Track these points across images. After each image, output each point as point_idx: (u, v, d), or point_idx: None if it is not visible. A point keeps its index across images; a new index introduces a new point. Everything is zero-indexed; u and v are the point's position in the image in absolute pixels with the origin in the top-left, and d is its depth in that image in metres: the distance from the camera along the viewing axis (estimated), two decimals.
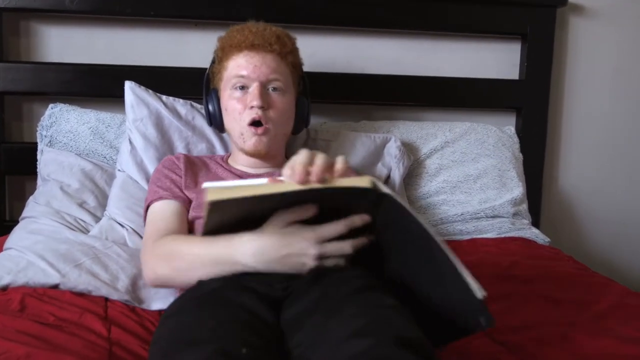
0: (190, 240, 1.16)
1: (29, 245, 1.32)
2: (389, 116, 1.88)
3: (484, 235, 1.71)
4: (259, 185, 0.95)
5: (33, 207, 1.50)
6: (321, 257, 1.00)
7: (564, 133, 2.05)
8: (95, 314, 1.14)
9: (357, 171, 1.55)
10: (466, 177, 1.78)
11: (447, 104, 1.95)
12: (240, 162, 1.41)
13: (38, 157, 1.64)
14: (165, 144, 1.55)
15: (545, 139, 1.96)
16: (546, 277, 1.41)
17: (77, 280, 1.23)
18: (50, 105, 1.66)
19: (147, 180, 1.52)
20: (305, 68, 1.49)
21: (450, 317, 0.95)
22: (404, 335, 0.84)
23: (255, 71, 1.33)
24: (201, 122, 1.59)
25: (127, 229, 1.43)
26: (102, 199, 1.54)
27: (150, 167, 1.53)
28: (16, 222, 1.50)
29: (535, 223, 1.89)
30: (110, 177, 1.58)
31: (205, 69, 1.47)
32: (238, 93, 1.35)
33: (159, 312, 1.23)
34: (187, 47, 1.80)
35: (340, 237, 1.01)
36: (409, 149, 1.75)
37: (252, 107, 1.31)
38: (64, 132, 1.63)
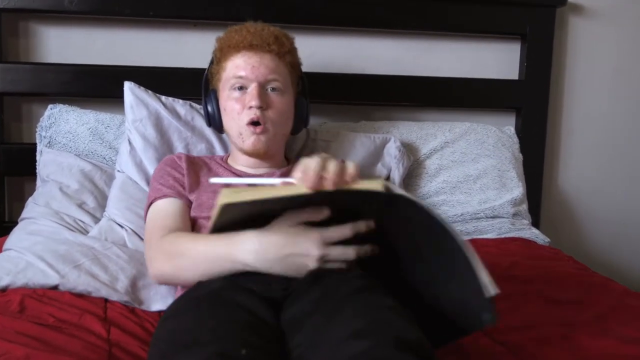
0: (194, 237, 1.16)
1: (29, 246, 1.32)
2: (389, 116, 1.88)
3: (484, 236, 1.71)
4: (272, 187, 0.96)
5: (32, 208, 1.49)
6: (324, 260, 1.00)
7: (564, 133, 2.05)
8: (94, 315, 1.14)
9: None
10: (466, 178, 1.78)
11: (447, 104, 1.95)
12: (240, 162, 1.41)
13: (37, 157, 1.63)
14: (164, 145, 1.55)
15: (545, 139, 1.96)
16: (546, 278, 1.41)
17: (76, 281, 1.23)
18: (50, 106, 1.66)
19: (147, 181, 1.52)
20: (305, 68, 1.49)
21: (453, 313, 0.95)
22: (403, 336, 0.84)
23: (253, 72, 1.33)
24: (201, 123, 1.58)
25: (126, 230, 1.43)
26: (102, 200, 1.54)
27: (150, 168, 1.52)
28: (15, 223, 1.50)
29: (535, 223, 1.89)
30: (110, 178, 1.58)
31: (205, 69, 1.47)
32: (237, 93, 1.34)
33: (159, 313, 1.23)
34: (186, 47, 1.80)
35: (345, 242, 1.01)
36: (408, 150, 1.75)
37: (250, 107, 1.31)
38: (63, 133, 1.63)
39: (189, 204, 1.31)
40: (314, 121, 1.66)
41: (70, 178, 1.55)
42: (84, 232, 1.44)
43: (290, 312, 0.98)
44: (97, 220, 1.48)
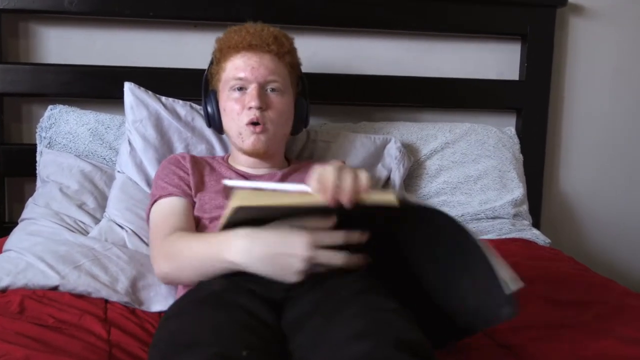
0: (190, 237, 1.17)
1: (28, 246, 1.32)
2: (389, 117, 1.88)
3: (485, 237, 1.70)
4: (286, 194, 0.95)
5: (32, 209, 1.49)
6: (311, 262, 0.99)
7: (564, 133, 2.05)
8: (94, 316, 1.14)
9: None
10: (466, 178, 1.78)
11: (447, 104, 1.94)
12: (240, 162, 1.41)
13: (37, 158, 1.63)
14: (164, 145, 1.55)
15: (546, 139, 1.96)
16: (547, 278, 1.41)
17: (76, 282, 1.23)
18: (50, 107, 1.66)
19: (147, 181, 1.51)
20: (305, 69, 1.49)
21: (466, 311, 0.96)
22: (403, 337, 0.84)
23: (253, 72, 1.33)
24: (201, 123, 1.58)
25: (126, 231, 1.43)
26: (102, 201, 1.53)
27: (150, 168, 1.52)
28: (15, 224, 1.50)
29: (536, 224, 1.89)
30: (110, 179, 1.58)
31: (205, 70, 1.47)
32: (236, 94, 1.34)
33: (159, 313, 1.22)
34: (186, 48, 1.80)
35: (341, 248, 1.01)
36: (409, 150, 1.75)
37: (250, 107, 1.31)
38: (63, 134, 1.63)
39: (193, 203, 1.31)
40: (314, 122, 1.66)
41: (70, 179, 1.55)
42: (84, 232, 1.44)
43: (291, 313, 0.98)
44: (97, 221, 1.48)
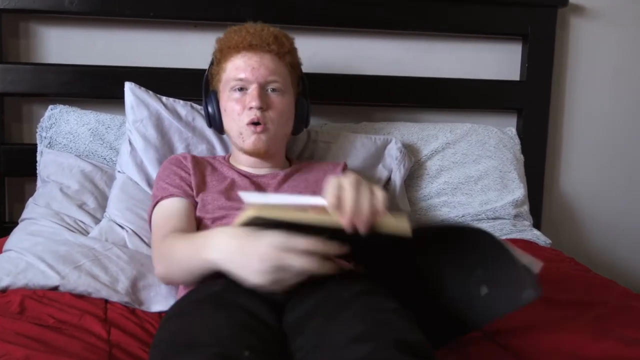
0: (181, 238, 1.17)
1: (29, 246, 1.32)
2: (390, 117, 1.88)
3: None
4: (302, 209, 0.95)
5: (33, 209, 1.49)
6: (275, 263, 0.95)
7: (565, 134, 2.05)
8: (95, 316, 1.14)
9: (358, 173, 1.55)
10: (467, 179, 1.78)
11: (448, 105, 1.94)
12: (241, 162, 1.41)
13: (38, 158, 1.63)
14: (165, 145, 1.55)
15: (547, 140, 1.96)
16: (547, 279, 1.38)
17: (76, 282, 1.22)
18: (50, 107, 1.66)
19: (147, 181, 1.51)
20: (305, 69, 1.49)
21: (483, 300, 0.99)
22: (404, 338, 0.84)
23: (253, 73, 1.32)
24: (201, 124, 1.58)
25: (127, 231, 1.42)
26: (102, 201, 1.53)
27: (150, 168, 1.52)
28: (16, 224, 1.50)
29: (537, 225, 1.89)
30: (110, 179, 1.58)
31: (205, 70, 1.47)
32: (237, 94, 1.34)
33: (159, 314, 1.22)
34: (186, 48, 1.80)
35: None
36: (409, 151, 1.75)
37: (251, 108, 1.31)
38: (63, 134, 1.63)
39: (194, 203, 1.31)
40: (314, 122, 1.66)
41: (71, 179, 1.55)
42: (85, 232, 1.44)
43: (292, 314, 0.98)
44: (97, 221, 1.48)
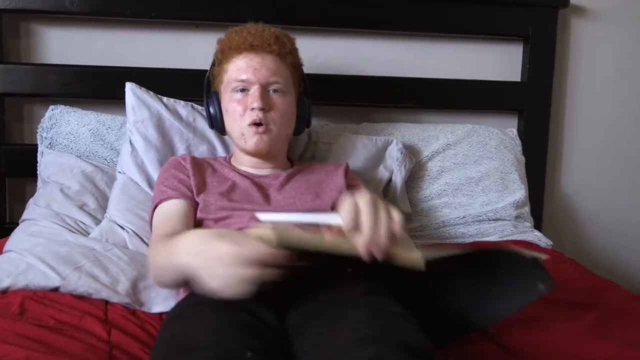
0: (164, 242, 1.13)
1: (29, 247, 1.32)
2: (391, 118, 1.88)
3: (486, 238, 1.70)
4: (318, 230, 0.93)
5: (33, 210, 1.49)
6: (234, 273, 0.89)
7: (566, 135, 2.05)
8: (95, 317, 1.14)
9: (359, 174, 1.55)
10: (468, 180, 1.77)
11: (449, 105, 1.94)
12: (243, 162, 1.41)
13: (38, 159, 1.63)
14: (166, 146, 1.54)
15: (548, 141, 1.95)
16: None
17: (77, 283, 1.22)
18: (51, 107, 1.66)
19: (148, 182, 1.51)
20: (306, 70, 1.49)
21: (497, 299, 1.04)
22: (407, 341, 0.84)
23: (255, 74, 1.32)
24: (202, 124, 1.58)
25: (127, 232, 1.42)
26: (103, 201, 1.53)
27: (151, 169, 1.52)
28: (16, 225, 1.50)
29: (538, 226, 1.88)
30: (111, 179, 1.58)
31: (206, 70, 1.47)
32: (238, 95, 1.34)
33: (160, 315, 1.22)
34: (187, 48, 1.79)
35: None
36: (410, 152, 1.75)
37: (252, 109, 1.31)
38: (64, 134, 1.62)
39: (194, 204, 1.31)
40: (315, 123, 1.66)
41: (71, 179, 1.55)
42: (85, 233, 1.43)
43: (295, 315, 0.98)
44: (98, 221, 1.48)
